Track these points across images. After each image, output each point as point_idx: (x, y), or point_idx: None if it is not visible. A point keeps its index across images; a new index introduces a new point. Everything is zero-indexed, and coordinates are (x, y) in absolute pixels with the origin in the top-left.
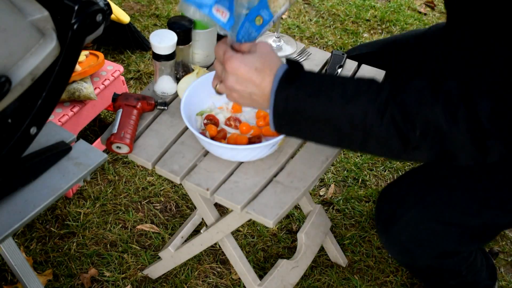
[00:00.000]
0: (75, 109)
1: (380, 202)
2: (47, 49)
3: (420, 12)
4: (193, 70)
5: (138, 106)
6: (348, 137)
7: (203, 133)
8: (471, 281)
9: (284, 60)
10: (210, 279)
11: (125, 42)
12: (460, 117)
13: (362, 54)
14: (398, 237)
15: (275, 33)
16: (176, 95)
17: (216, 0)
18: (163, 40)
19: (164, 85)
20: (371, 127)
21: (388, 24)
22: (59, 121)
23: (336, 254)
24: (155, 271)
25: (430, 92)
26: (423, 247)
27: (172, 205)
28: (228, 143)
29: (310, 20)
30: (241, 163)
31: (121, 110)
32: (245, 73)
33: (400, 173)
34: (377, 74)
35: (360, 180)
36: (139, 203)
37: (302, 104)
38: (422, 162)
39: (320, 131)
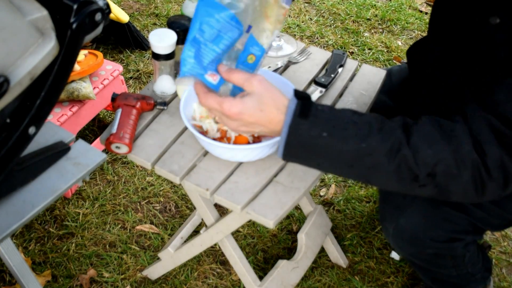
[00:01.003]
0: (74, 109)
1: (383, 195)
2: (46, 49)
3: (421, 11)
4: None
5: (137, 106)
6: (357, 171)
7: (202, 133)
8: (470, 271)
9: (290, 91)
10: (210, 280)
11: (124, 42)
12: (469, 164)
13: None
14: (408, 225)
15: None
16: (175, 95)
17: (207, 68)
18: (162, 40)
19: (163, 84)
20: (382, 165)
21: (389, 23)
22: (58, 120)
23: (336, 255)
24: (155, 271)
25: (439, 136)
26: (433, 231)
27: (171, 205)
28: (228, 142)
29: (311, 19)
30: (241, 163)
31: (120, 109)
32: (250, 118)
33: None
34: (378, 73)
35: None
36: (138, 204)
37: (315, 141)
38: (421, 196)
39: (329, 164)
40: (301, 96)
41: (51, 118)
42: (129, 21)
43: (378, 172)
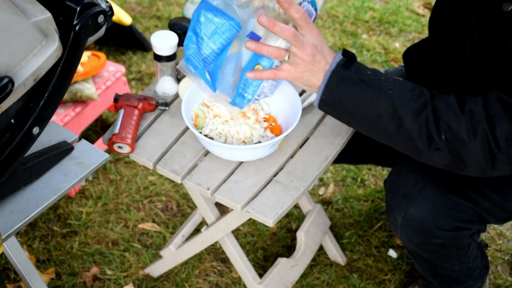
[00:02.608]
0: (77, 110)
1: (391, 185)
2: (49, 50)
3: (418, 14)
4: None
5: (139, 107)
6: (384, 124)
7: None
8: (471, 266)
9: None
10: (210, 278)
11: (127, 43)
12: (479, 133)
13: None
14: (417, 214)
15: None
16: (177, 96)
17: (206, 61)
18: (164, 41)
19: (165, 85)
20: (406, 121)
21: (386, 25)
22: (61, 121)
23: (335, 253)
24: (156, 269)
25: (457, 106)
26: (440, 220)
27: (173, 204)
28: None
29: None
30: (241, 162)
31: (122, 110)
32: (320, 42)
33: None
34: None
35: (359, 179)
36: (140, 202)
37: (353, 88)
38: (438, 167)
39: (359, 114)
40: (347, 54)
41: (54, 118)
42: (131, 23)
43: (402, 127)
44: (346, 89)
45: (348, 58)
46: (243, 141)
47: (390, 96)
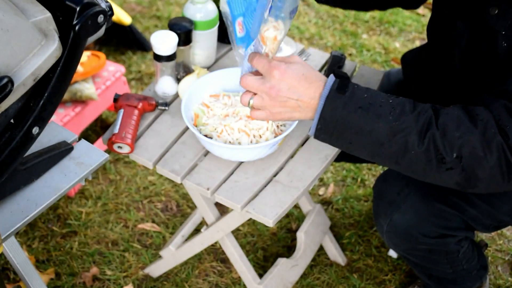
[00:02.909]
0: (77, 110)
1: (378, 192)
2: (49, 50)
3: (418, 14)
4: (193, 70)
5: (139, 107)
6: (387, 151)
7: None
8: (466, 268)
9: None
10: (210, 278)
11: (127, 43)
12: (495, 147)
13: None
14: (401, 221)
15: None
16: (176, 96)
17: (243, 15)
18: (164, 41)
19: (165, 85)
20: (412, 145)
21: (386, 25)
22: (61, 121)
23: (335, 253)
24: (156, 269)
25: (468, 120)
26: (425, 227)
27: (173, 204)
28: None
29: (310, 21)
30: (241, 162)
31: (122, 110)
32: (294, 79)
33: None
34: (376, 74)
35: (359, 179)
36: (140, 203)
37: (350, 115)
38: (446, 186)
39: (359, 142)
40: (340, 75)
41: (54, 118)
42: (131, 23)
43: (408, 152)
44: (343, 118)
45: (341, 79)
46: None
47: (391, 121)
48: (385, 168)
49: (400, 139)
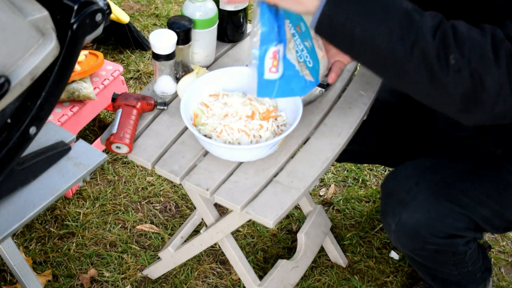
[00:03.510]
0: (75, 109)
1: (386, 190)
2: (46, 49)
3: None
4: (192, 69)
5: (137, 106)
6: (394, 45)
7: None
8: (471, 270)
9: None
10: (210, 280)
11: (125, 42)
12: (503, 52)
13: None
14: (410, 220)
15: None
16: (175, 95)
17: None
18: (162, 40)
19: (163, 85)
20: (423, 37)
21: None
22: (58, 121)
23: (336, 255)
24: (155, 271)
25: (474, 28)
26: (434, 227)
27: (171, 205)
28: None
29: None
30: (241, 163)
31: (120, 110)
32: None
33: None
34: None
35: (360, 180)
36: (138, 203)
37: (358, 7)
38: (450, 101)
39: (369, 30)
40: None
41: (51, 118)
42: (129, 22)
43: (417, 44)
44: (349, 9)
45: None
46: (253, 135)
47: (405, 8)
48: (387, 169)
49: (412, 29)
